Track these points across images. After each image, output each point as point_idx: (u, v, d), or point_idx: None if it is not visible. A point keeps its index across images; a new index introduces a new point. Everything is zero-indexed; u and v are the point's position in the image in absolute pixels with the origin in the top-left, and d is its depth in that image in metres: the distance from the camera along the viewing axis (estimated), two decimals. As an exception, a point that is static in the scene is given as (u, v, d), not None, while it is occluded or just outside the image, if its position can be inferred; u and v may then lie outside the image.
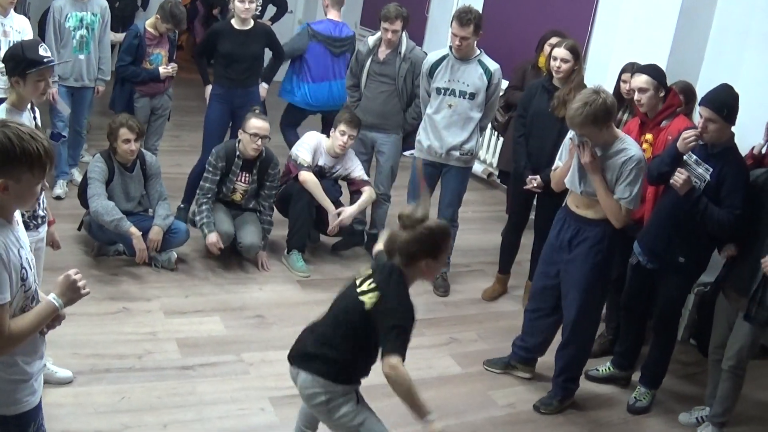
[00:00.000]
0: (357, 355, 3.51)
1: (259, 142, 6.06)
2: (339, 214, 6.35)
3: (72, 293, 2.80)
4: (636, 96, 5.09)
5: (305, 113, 8.02)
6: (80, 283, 2.80)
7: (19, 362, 2.78)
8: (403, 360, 3.28)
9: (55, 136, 6.67)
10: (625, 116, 5.80)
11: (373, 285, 3.45)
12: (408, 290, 3.44)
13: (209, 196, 6.12)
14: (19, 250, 2.68)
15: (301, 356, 3.61)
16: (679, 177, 4.60)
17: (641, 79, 5.06)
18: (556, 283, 4.99)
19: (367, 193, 6.52)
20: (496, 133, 8.74)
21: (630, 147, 4.61)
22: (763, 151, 5.31)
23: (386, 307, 3.36)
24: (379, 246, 3.64)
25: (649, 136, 5.19)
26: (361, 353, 3.51)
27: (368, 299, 3.41)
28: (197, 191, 6.23)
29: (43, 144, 2.63)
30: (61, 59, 6.50)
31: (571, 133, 4.82)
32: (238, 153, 6.14)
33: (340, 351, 3.47)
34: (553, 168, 5.14)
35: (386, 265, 3.47)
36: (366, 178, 6.59)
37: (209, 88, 7.21)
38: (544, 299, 5.11)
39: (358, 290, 3.47)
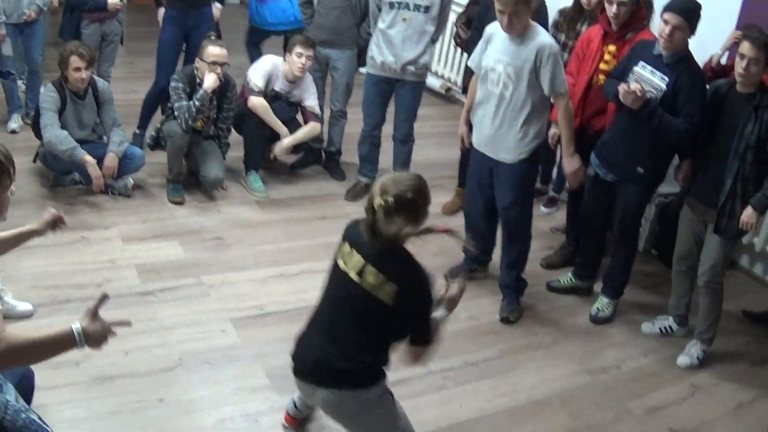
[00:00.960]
0: (390, 348, 3.31)
1: (219, 70, 5.93)
2: (275, 146, 6.36)
3: (101, 341, 2.56)
4: (614, 9, 4.97)
5: (267, 33, 8.00)
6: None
7: None
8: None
9: (4, 74, 6.58)
10: (584, 27, 5.74)
11: (381, 275, 3.12)
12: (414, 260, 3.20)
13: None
14: None
15: (328, 373, 3.26)
16: (626, 96, 4.57)
17: None
18: (490, 181, 5.01)
19: (310, 127, 6.47)
20: (459, 49, 8.67)
21: (541, 34, 4.65)
22: (723, 61, 5.29)
23: (411, 303, 3.13)
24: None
25: (612, 48, 5.13)
26: (393, 344, 3.31)
27: (385, 294, 3.11)
28: (170, 108, 6.07)
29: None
30: None
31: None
32: (198, 81, 6.01)
33: (376, 353, 3.27)
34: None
35: (382, 248, 3.16)
36: (317, 111, 6.53)
37: (161, 11, 7.03)
38: (479, 197, 5.15)
39: (365, 284, 3.15)
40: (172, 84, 6.01)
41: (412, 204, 3.12)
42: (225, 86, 6.12)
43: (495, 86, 4.76)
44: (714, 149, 4.58)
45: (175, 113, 5.95)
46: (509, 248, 5.15)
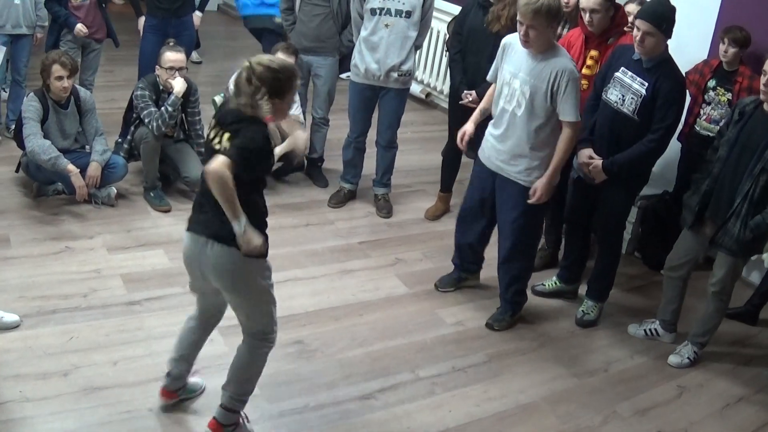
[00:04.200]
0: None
1: (177, 74, 5.95)
2: None
3: None
4: (587, 18, 5.06)
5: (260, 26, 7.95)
6: None
7: None
8: (236, 168, 3.28)
9: None
10: (565, 30, 5.78)
11: (217, 129, 3.44)
12: (264, 128, 3.41)
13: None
14: None
15: (204, 226, 3.61)
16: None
17: (593, 0, 5.01)
18: (489, 196, 4.96)
19: (294, 137, 6.42)
20: (439, 56, 8.73)
21: (563, 57, 4.53)
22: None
23: (237, 140, 3.34)
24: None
25: (594, 53, 5.18)
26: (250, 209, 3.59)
27: (223, 144, 3.37)
28: (137, 117, 6.05)
29: None
30: None
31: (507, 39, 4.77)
32: (161, 87, 6.03)
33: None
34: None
35: (231, 110, 3.43)
36: (301, 120, 6.53)
37: (142, 19, 7.06)
38: (479, 214, 5.10)
39: (213, 145, 3.43)
40: (138, 92, 6.00)
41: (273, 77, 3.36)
42: (188, 91, 6.12)
43: (508, 103, 4.66)
44: (732, 169, 4.51)
45: (145, 120, 5.94)
46: (510, 265, 5.02)
